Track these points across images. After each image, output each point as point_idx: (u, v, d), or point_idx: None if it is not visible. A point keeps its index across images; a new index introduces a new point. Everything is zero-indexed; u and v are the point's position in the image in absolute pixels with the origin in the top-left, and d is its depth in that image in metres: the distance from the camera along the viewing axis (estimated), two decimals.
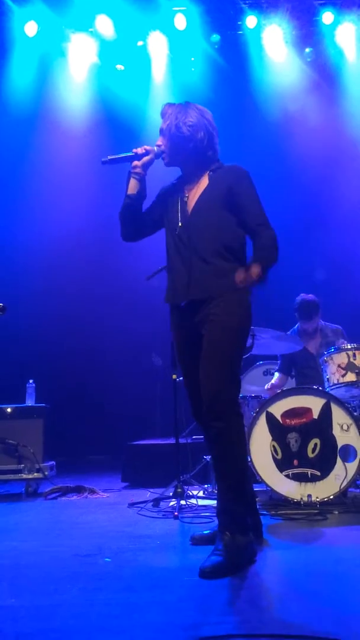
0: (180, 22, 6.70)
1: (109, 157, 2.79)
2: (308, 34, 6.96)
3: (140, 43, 7.02)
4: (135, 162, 2.79)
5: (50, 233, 6.84)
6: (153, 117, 6.90)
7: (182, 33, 6.81)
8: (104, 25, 6.77)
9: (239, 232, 2.70)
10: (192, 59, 7.11)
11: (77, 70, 7.15)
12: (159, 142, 2.81)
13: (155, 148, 2.80)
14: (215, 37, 6.89)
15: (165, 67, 7.15)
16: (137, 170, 2.79)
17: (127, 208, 2.82)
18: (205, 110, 2.81)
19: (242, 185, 2.69)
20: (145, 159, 2.78)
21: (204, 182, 2.76)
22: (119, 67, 7.16)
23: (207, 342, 2.58)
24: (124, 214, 2.84)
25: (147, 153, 2.79)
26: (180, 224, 2.71)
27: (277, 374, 4.82)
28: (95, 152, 7.02)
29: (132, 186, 2.82)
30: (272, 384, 4.75)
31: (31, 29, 6.73)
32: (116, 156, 2.80)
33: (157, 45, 7.01)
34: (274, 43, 6.96)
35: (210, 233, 2.65)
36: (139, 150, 2.79)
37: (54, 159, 6.93)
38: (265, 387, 4.77)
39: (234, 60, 7.00)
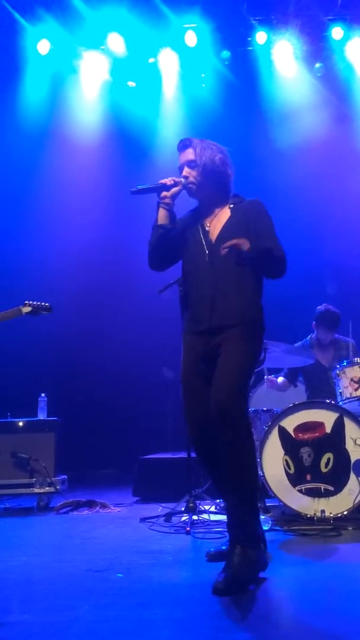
0: (190, 39, 6.77)
1: (138, 187, 2.83)
2: (318, 50, 7.00)
3: (151, 60, 7.11)
4: (165, 193, 2.82)
5: (61, 248, 6.89)
6: (164, 134, 7.04)
7: (193, 50, 6.88)
8: (116, 42, 6.86)
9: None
10: (203, 75, 7.18)
11: (89, 88, 7.24)
12: (187, 174, 2.85)
13: (183, 180, 2.85)
14: (226, 54, 6.95)
15: (175, 84, 7.22)
16: (167, 200, 2.82)
17: (160, 238, 2.84)
18: (224, 147, 2.92)
19: (261, 221, 2.80)
20: (174, 190, 2.82)
21: (225, 213, 2.86)
22: (131, 83, 7.24)
23: (223, 358, 2.64)
24: (156, 244, 2.87)
25: (175, 184, 2.82)
26: (207, 252, 2.79)
27: (281, 378, 4.82)
28: (106, 168, 7.10)
29: (162, 216, 2.84)
30: (273, 379, 4.71)
31: (44, 47, 6.83)
32: (145, 187, 2.84)
33: (168, 62, 7.08)
34: (283, 59, 7.01)
35: (234, 267, 2.71)
36: (167, 182, 2.83)
37: (65, 175, 7.00)
38: (265, 377, 4.72)
39: (244, 76, 7.05)
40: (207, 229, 2.85)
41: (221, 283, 2.72)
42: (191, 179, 2.84)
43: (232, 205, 2.86)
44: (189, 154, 2.87)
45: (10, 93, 7.09)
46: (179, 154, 2.94)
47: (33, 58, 6.96)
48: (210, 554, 2.78)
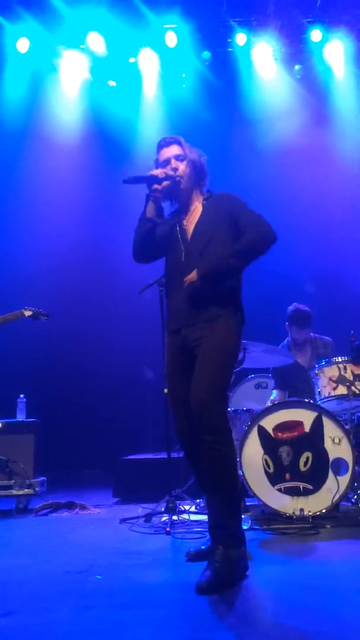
0: (171, 39, 6.78)
1: (130, 177, 2.79)
2: (297, 51, 7.06)
3: (132, 60, 7.09)
4: (156, 186, 2.79)
5: (41, 247, 6.85)
6: (144, 133, 7.02)
7: (173, 50, 6.89)
8: (96, 42, 6.84)
9: None
10: (183, 75, 7.19)
11: (69, 86, 7.21)
12: (175, 166, 2.85)
13: (172, 172, 2.83)
14: (206, 54, 6.98)
15: (156, 84, 7.23)
16: (157, 194, 2.81)
17: (148, 232, 2.84)
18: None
19: (235, 206, 2.84)
20: (165, 183, 2.80)
21: (198, 210, 2.90)
22: (111, 83, 7.22)
23: (200, 360, 2.65)
24: (143, 237, 2.86)
25: (166, 178, 2.81)
26: (183, 250, 2.81)
27: (275, 392, 4.79)
28: (86, 166, 7.07)
29: (151, 209, 2.83)
30: (271, 400, 4.71)
31: (23, 45, 6.79)
32: (136, 176, 2.81)
33: (148, 62, 7.09)
34: (263, 60, 7.05)
35: (208, 256, 2.74)
36: (159, 174, 2.80)
37: (45, 174, 6.95)
38: (267, 404, 4.72)
39: (224, 77, 7.09)
40: (184, 227, 2.88)
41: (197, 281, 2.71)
42: (180, 172, 2.85)
43: (204, 202, 2.90)
44: (176, 149, 2.89)
45: None
46: (159, 150, 2.93)
47: (12, 56, 6.90)
48: (190, 553, 2.79)
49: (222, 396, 2.64)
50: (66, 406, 6.79)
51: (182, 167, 2.86)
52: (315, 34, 6.83)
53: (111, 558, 2.90)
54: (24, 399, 4.96)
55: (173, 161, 2.87)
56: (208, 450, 2.54)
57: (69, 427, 6.71)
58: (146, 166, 2.98)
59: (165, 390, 3.90)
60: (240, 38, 6.86)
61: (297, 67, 7.14)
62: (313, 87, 7.16)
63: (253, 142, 6.85)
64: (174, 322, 2.82)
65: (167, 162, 2.89)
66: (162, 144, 2.94)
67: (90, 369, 6.86)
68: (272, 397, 4.76)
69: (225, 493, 2.54)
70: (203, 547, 2.78)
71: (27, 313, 3.39)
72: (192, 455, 2.80)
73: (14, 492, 4.54)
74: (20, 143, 6.91)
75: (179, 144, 2.92)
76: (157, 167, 2.90)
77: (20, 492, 4.54)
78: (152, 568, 2.73)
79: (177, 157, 2.88)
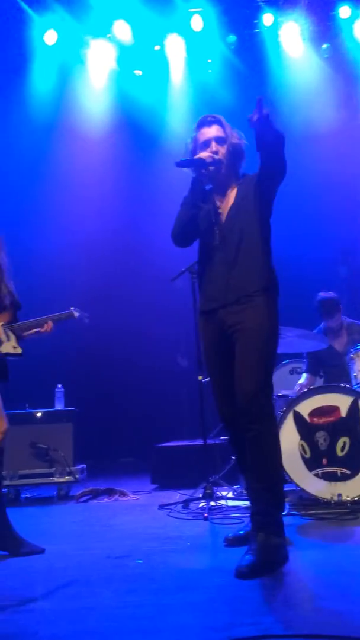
0: (197, 23, 6.71)
1: (183, 160, 2.76)
2: (325, 30, 6.91)
3: (157, 47, 7.06)
4: (204, 170, 2.73)
5: (72, 239, 6.91)
6: (171, 120, 6.99)
7: (199, 34, 6.83)
8: (122, 30, 6.82)
9: (267, 235, 2.78)
10: (209, 60, 7.12)
11: (96, 77, 7.21)
12: (216, 149, 2.76)
13: (215, 156, 2.74)
14: (232, 38, 6.89)
15: (182, 70, 7.18)
16: (204, 179, 2.75)
17: (192, 217, 2.80)
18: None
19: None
20: (211, 168, 2.73)
21: (233, 193, 2.82)
22: (137, 72, 7.20)
23: (241, 348, 2.63)
24: (187, 222, 2.82)
25: (213, 162, 2.72)
26: (217, 233, 2.77)
27: (304, 375, 4.76)
28: (115, 157, 7.09)
29: (197, 194, 2.78)
30: (300, 384, 4.70)
31: (51, 37, 6.82)
32: (188, 159, 2.77)
33: (174, 48, 7.04)
34: (290, 40, 6.93)
35: (244, 241, 2.71)
36: (206, 158, 2.71)
37: (75, 166, 7.00)
38: (295, 388, 4.72)
39: (251, 60, 6.99)
40: (219, 210, 2.82)
41: (233, 259, 2.71)
42: (220, 155, 2.76)
43: (238, 186, 2.82)
44: (217, 130, 2.80)
45: (18, 84, 7.09)
46: (199, 128, 2.84)
47: (40, 49, 6.94)
48: (228, 538, 2.81)
49: (267, 385, 2.63)
50: (102, 395, 6.88)
51: (222, 150, 2.77)
52: (344, 10, 6.66)
53: (151, 543, 2.95)
54: (62, 389, 5.05)
55: (214, 144, 2.77)
56: (253, 439, 2.55)
57: (105, 416, 6.80)
58: (175, 153, 2.96)
59: (200, 377, 3.93)
60: (267, 18, 6.75)
61: (324, 45, 6.99)
62: (341, 65, 7.00)
63: (281, 125, 6.75)
64: (210, 303, 2.78)
65: (207, 143, 2.79)
66: (203, 122, 2.83)
67: (126, 359, 6.93)
68: (300, 381, 4.71)
69: (269, 482, 2.56)
70: (241, 532, 2.81)
71: (76, 314, 3.38)
72: (236, 443, 2.80)
73: (55, 479, 4.64)
74: (48, 135, 6.96)
75: (220, 124, 2.81)
76: (195, 146, 2.82)
77: (61, 480, 4.64)
78: (192, 553, 2.77)
79: (218, 140, 2.78)
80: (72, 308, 3.42)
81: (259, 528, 2.51)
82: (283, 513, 2.69)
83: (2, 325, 3.08)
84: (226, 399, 2.73)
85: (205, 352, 2.88)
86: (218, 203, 2.84)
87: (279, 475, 2.60)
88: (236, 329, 2.66)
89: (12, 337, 3.08)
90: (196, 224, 2.83)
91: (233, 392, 2.62)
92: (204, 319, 2.84)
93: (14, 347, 3.08)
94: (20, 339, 3.14)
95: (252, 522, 2.58)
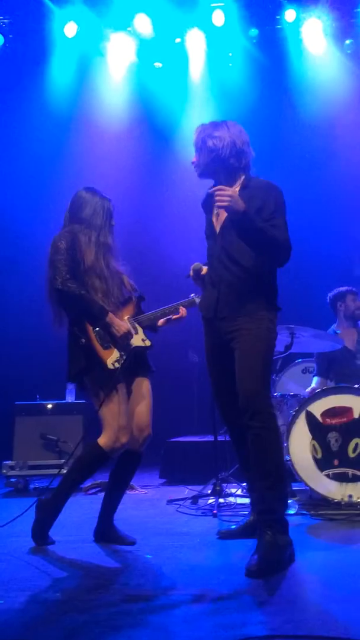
0: (218, 18, 6.66)
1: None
2: (348, 25, 6.82)
3: (178, 40, 7.02)
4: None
5: None
6: (191, 114, 6.96)
7: (220, 29, 6.77)
8: (143, 23, 6.78)
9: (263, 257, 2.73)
10: (230, 54, 7.07)
11: (116, 70, 7.19)
12: (194, 159, 2.87)
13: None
14: (254, 32, 6.83)
15: (202, 64, 7.13)
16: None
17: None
18: (233, 124, 2.82)
19: (269, 203, 2.70)
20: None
21: None
22: (157, 64, 7.17)
23: (240, 353, 2.67)
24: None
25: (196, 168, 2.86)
26: (216, 238, 2.82)
27: (316, 378, 4.67)
28: (133, 151, 7.07)
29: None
30: (312, 388, 4.62)
31: (71, 29, 6.79)
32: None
33: (195, 42, 6.98)
34: (313, 36, 6.85)
35: (235, 254, 2.72)
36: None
37: (92, 159, 6.99)
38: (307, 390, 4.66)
39: (272, 55, 6.92)
40: (216, 215, 2.85)
41: (227, 271, 2.74)
42: (193, 159, 2.86)
43: (241, 190, 2.74)
44: (194, 139, 2.88)
45: (38, 77, 7.08)
46: None
47: (60, 41, 6.93)
48: (222, 532, 2.93)
49: (266, 383, 2.69)
50: None
51: (194, 157, 2.85)
52: None
53: (159, 538, 2.95)
54: None
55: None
56: (254, 436, 2.58)
57: None
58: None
59: None
60: (290, 14, 6.67)
61: (347, 41, 6.92)
62: None
63: (302, 121, 6.71)
64: (206, 312, 2.86)
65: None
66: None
67: None
68: (312, 385, 4.63)
69: (272, 478, 2.56)
70: (233, 526, 2.91)
71: (197, 300, 3.28)
72: (239, 445, 2.84)
73: (64, 471, 4.64)
74: (67, 128, 6.96)
75: (197, 131, 2.86)
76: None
77: None
78: (200, 550, 2.77)
79: (194, 146, 2.86)
80: (192, 295, 3.36)
81: (266, 527, 2.51)
82: (291, 512, 2.69)
83: (128, 318, 3.11)
84: (226, 399, 2.82)
85: (206, 354, 2.95)
86: (216, 208, 2.79)
87: (282, 472, 2.61)
88: (233, 335, 2.71)
89: (140, 329, 3.15)
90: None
91: (234, 392, 2.68)
92: (204, 323, 2.92)
93: (143, 340, 3.18)
94: (154, 330, 3.26)
95: (259, 519, 2.59)
